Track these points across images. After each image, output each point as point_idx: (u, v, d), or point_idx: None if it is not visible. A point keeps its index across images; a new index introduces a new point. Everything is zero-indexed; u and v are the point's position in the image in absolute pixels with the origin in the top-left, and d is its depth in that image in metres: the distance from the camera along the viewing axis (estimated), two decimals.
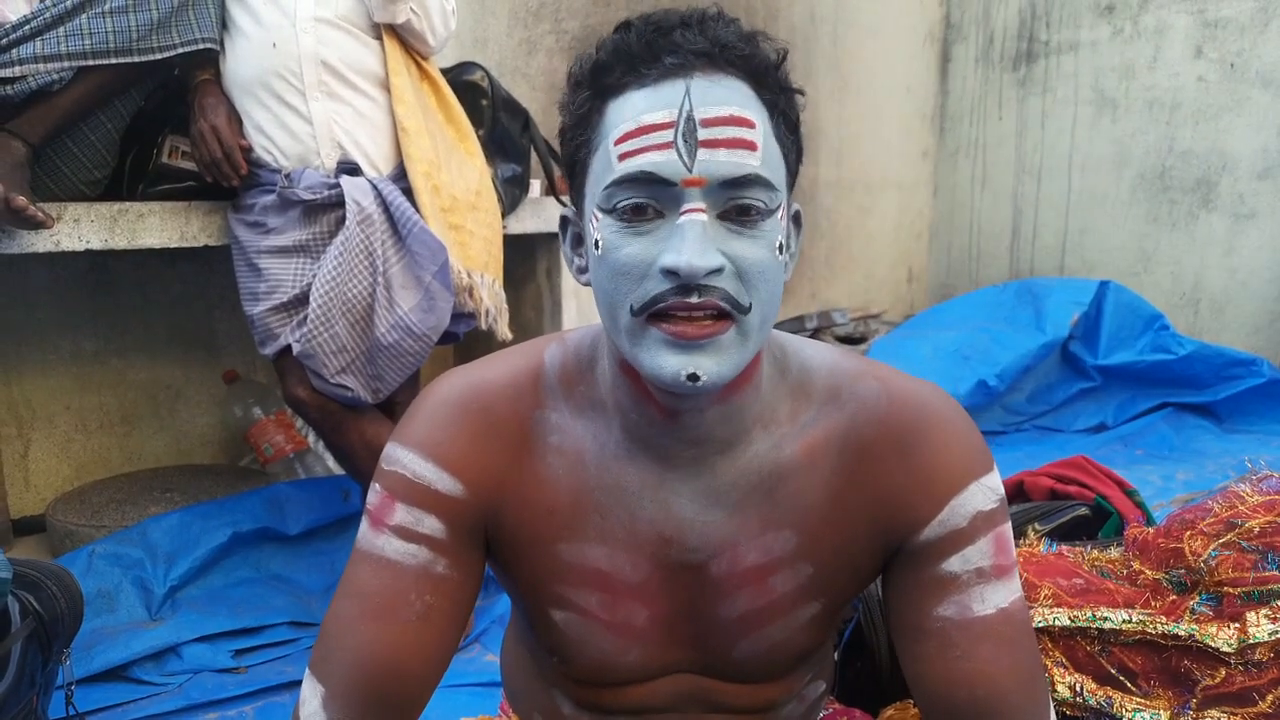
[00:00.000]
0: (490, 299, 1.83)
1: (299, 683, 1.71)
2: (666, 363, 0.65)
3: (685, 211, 0.64)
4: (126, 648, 1.65)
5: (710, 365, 0.64)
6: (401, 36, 1.74)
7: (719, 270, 0.63)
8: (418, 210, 1.69)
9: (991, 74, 4.20)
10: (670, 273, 0.63)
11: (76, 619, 1.29)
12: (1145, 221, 3.74)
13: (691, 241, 0.62)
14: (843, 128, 3.97)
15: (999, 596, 0.73)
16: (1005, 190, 4.20)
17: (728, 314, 0.65)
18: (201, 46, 1.64)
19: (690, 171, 0.63)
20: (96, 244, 1.67)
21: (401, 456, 0.76)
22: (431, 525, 0.74)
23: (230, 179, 1.67)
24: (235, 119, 1.68)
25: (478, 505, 0.76)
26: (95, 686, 1.59)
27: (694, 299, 0.63)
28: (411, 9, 1.68)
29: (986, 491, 0.74)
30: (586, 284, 0.74)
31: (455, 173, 1.80)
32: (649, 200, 0.65)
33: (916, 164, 4.38)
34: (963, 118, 4.34)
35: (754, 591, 0.78)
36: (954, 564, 0.73)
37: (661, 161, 0.63)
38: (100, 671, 1.61)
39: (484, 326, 1.84)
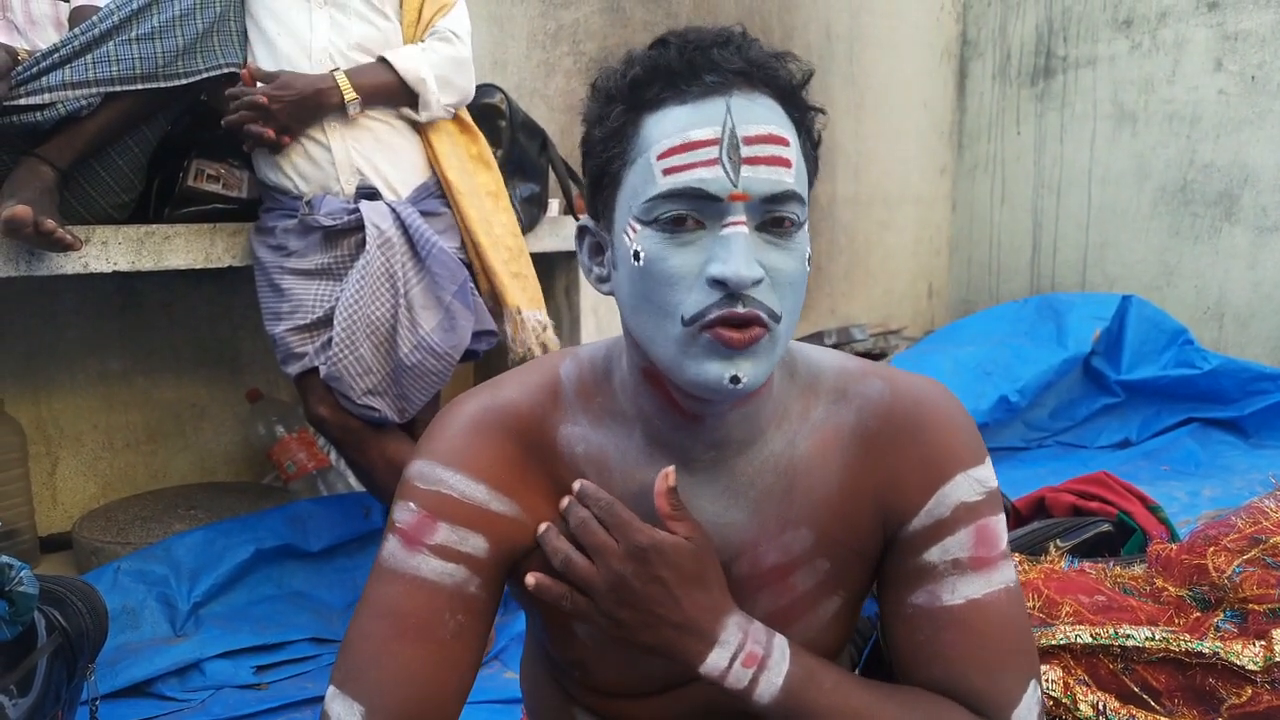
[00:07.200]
0: (545, 334, 1.91)
1: (320, 698, 1.70)
2: (710, 369, 0.67)
3: (729, 224, 0.66)
4: (150, 663, 1.66)
5: (750, 368, 0.67)
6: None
7: (760, 281, 0.66)
8: (490, 273, 1.80)
9: (1009, 89, 4.19)
10: (718, 282, 0.65)
11: (101, 635, 1.31)
12: (1167, 235, 3.71)
13: (737, 253, 0.65)
14: (860, 144, 3.97)
15: (972, 588, 0.75)
16: (1025, 205, 4.18)
17: (764, 322, 0.67)
18: (226, 71, 1.67)
19: (736, 187, 0.66)
20: (124, 265, 1.70)
21: (446, 477, 0.76)
22: (476, 544, 0.75)
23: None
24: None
25: (530, 524, 0.77)
26: (119, 702, 1.60)
27: (740, 309, 0.65)
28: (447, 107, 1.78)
29: (972, 483, 0.77)
30: (608, 293, 0.76)
31: (499, 219, 1.87)
32: (691, 212, 0.67)
33: (935, 180, 4.37)
34: (981, 133, 4.33)
35: (776, 590, 0.79)
36: (933, 554, 0.76)
37: (710, 178, 0.66)
38: (124, 687, 1.62)
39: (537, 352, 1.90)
